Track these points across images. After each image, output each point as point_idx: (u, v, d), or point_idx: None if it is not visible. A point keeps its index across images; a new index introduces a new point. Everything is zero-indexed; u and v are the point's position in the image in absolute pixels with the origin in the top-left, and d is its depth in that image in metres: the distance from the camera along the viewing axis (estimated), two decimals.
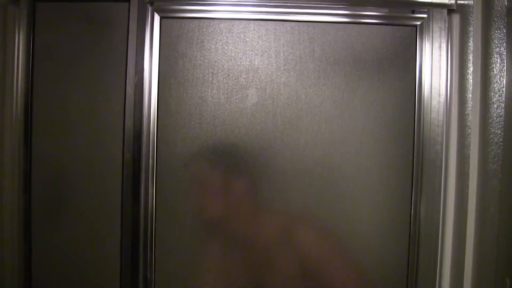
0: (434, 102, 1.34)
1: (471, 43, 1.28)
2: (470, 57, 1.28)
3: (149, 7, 1.33)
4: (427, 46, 1.34)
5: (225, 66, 1.35)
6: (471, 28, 1.28)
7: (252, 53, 1.34)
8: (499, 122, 1.16)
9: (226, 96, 1.35)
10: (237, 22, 1.35)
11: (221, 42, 1.35)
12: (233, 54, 1.35)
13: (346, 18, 1.36)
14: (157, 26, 1.34)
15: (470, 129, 1.27)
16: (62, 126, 1.40)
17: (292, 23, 1.35)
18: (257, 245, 1.38)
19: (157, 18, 1.33)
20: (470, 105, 1.27)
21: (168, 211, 1.37)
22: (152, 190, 1.35)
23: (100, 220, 1.39)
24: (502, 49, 1.16)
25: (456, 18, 1.35)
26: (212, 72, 1.35)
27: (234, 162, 1.36)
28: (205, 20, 1.35)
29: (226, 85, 1.35)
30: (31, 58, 1.37)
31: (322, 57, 1.35)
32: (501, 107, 1.15)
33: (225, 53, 1.35)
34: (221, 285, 1.40)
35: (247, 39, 1.35)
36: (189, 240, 1.40)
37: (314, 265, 1.38)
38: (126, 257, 1.36)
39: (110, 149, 1.37)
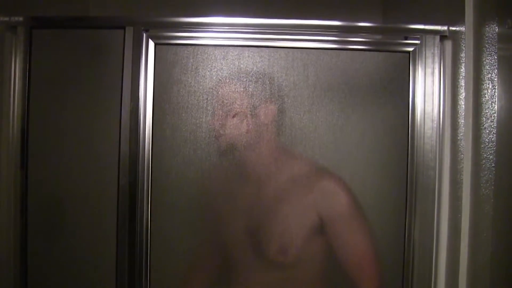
0: (427, 128, 1.35)
1: (463, 69, 1.29)
2: (462, 83, 1.29)
3: (144, 34, 1.34)
4: (419, 72, 1.35)
5: (219, 93, 1.35)
6: (463, 54, 1.28)
7: (247, 80, 1.35)
8: (491, 148, 1.16)
9: (220, 122, 1.35)
10: (231, 48, 1.35)
11: (215, 69, 1.35)
12: (227, 81, 1.36)
13: (340, 44, 1.37)
14: (152, 52, 1.34)
15: (463, 154, 1.27)
16: (58, 150, 1.41)
17: (286, 49, 1.36)
18: (252, 268, 1.39)
19: (152, 45, 1.34)
20: (463, 131, 1.28)
21: (163, 236, 1.37)
22: (147, 215, 1.35)
23: (95, 245, 1.39)
24: (493, 75, 1.16)
25: (448, 45, 1.36)
26: (207, 99, 1.35)
27: (228, 188, 1.37)
28: (200, 46, 1.36)
29: (220, 112, 1.35)
30: (27, 85, 1.37)
31: (316, 83, 1.36)
32: (493, 133, 1.15)
33: (219, 79, 1.36)
34: None
35: (242, 65, 1.36)
36: (185, 265, 1.41)
37: None
38: (121, 282, 1.36)
39: (106, 174, 1.38)
